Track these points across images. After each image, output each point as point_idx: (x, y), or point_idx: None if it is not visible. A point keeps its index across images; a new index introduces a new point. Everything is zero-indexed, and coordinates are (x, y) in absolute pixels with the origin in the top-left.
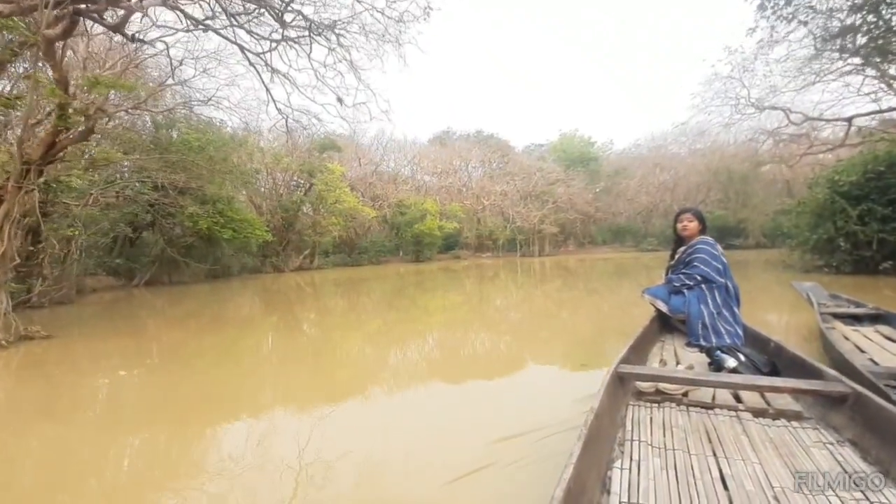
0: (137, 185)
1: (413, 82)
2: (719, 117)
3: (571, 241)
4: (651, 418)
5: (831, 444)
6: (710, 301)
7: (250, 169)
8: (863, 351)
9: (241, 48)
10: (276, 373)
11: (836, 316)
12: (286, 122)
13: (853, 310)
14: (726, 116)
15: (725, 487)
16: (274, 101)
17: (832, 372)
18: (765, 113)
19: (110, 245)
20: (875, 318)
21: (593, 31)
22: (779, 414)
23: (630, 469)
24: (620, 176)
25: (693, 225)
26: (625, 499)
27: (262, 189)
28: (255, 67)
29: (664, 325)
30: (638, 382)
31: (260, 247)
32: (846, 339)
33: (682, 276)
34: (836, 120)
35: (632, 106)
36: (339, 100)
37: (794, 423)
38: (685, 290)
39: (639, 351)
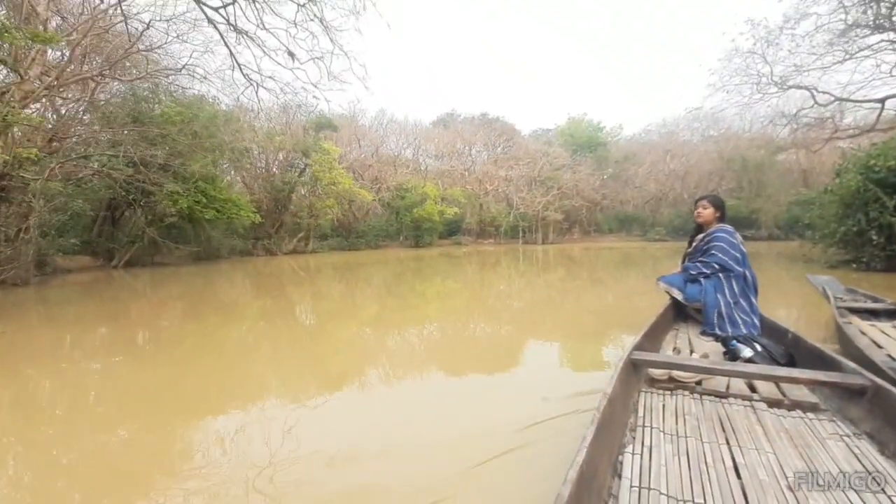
0: (109, 159)
1: (411, 73)
2: (738, 96)
3: (576, 229)
4: (664, 405)
5: (848, 436)
6: (727, 290)
7: (240, 147)
8: (880, 346)
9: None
10: (262, 365)
11: (853, 310)
12: (256, 91)
13: (870, 305)
14: (746, 96)
15: (738, 476)
16: (239, 65)
17: (851, 364)
18: (785, 95)
19: (89, 224)
20: (893, 314)
21: (589, 23)
22: (794, 405)
23: (641, 454)
24: (629, 162)
25: (707, 212)
26: (636, 483)
27: (255, 168)
28: (215, 26)
29: (679, 313)
30: (651, 370)
31: (251, 229)
32: (863, 334)
33: (698, 264)
34: (868, 101)
35: (628, 97)
36: (291, 54)
37: (810, 415)
38: (702, 279)
39: (652, 338)
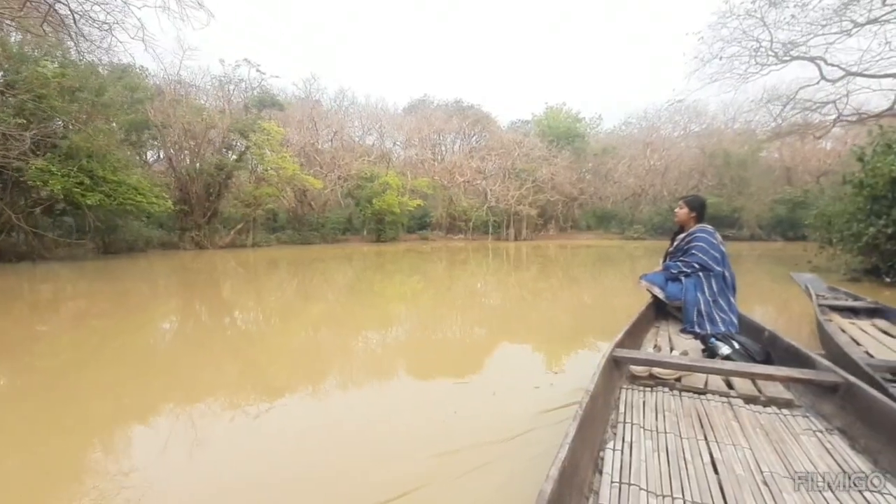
0: None
1: (386, 62)
2: (731, 66)
3: (552, 226)
4: (644, 402)
5: (820, 431)
6: (706, 289)
7: (156, 121)
8: (859, 343)
9: None
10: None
11: (834, 308)
12: (70, 19)
13: (851, 303)
14: (743, 65)
15: (715, 471)
16: None
17: (824, 361)
18: (779, 77)
19: None
20: (872, 312)
21: (576, 21)
22: (770, 401)
23: (622, 450)
24: (608, 156)
25: (682, 212)
26: (616, 479)
27: (181, 148)
28: None
29: (659, 311)
30: (632, 366)
31: (175, 218)
32: (843, 331)
33: (679, 263)
34: (887, 76)
35: (619, 91)
36: None
37: (785, 411)
38: (682, 277)
39: (634, 336)
